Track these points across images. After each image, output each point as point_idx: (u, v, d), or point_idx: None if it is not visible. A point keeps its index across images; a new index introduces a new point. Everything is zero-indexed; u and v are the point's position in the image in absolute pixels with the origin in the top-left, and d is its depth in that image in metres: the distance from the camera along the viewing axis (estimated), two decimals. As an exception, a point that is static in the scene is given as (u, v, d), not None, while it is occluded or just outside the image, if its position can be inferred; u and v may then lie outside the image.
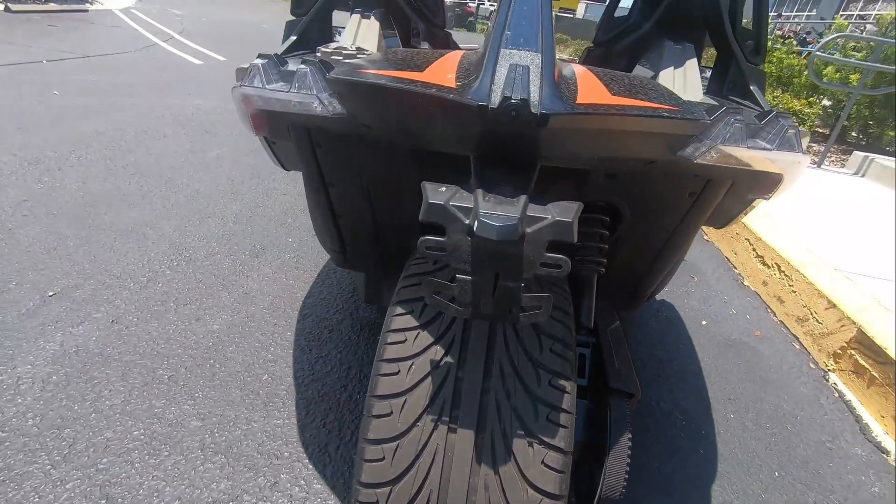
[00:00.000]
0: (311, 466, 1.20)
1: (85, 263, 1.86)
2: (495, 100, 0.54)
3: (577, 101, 0.59)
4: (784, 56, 5.79)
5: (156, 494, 1.09)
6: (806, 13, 13.32)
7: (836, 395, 1.69)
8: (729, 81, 1.06)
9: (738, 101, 1.03)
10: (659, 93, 0.77)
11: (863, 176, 4.23)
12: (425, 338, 0.69)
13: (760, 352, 1.89)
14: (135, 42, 7.01)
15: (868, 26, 11.28)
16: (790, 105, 4.76)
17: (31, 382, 1.32)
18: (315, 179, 1.10)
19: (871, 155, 4.32)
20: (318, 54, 0.92)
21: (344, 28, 1.28)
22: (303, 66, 0.73)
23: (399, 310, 0.73)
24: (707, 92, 1.04)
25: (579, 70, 0.82)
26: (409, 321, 0.71)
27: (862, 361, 1.64)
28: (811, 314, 1.92)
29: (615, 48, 1.09)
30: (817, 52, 4.15)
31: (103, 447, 1.18)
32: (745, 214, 1.18)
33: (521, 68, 0.55)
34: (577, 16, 43.26)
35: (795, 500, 1.29)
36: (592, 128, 0.61)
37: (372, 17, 1.10)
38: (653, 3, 1.04)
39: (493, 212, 0.52)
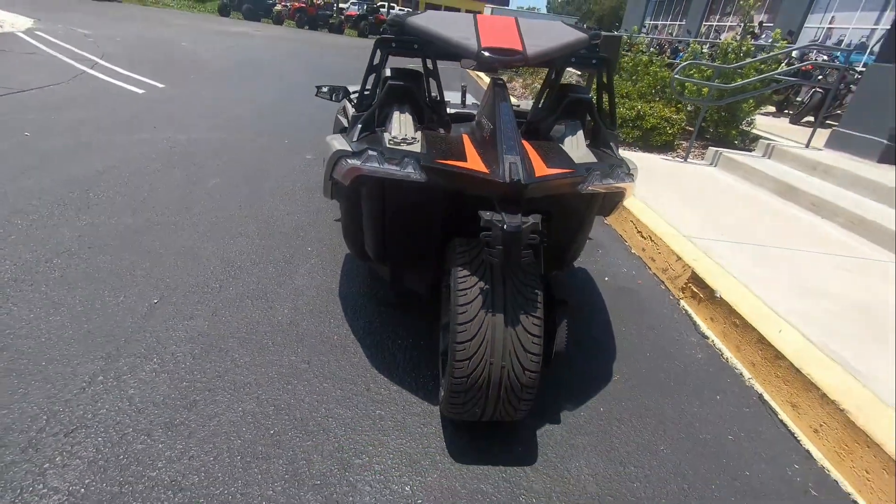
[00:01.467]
0: (385, 377, 1.98)
1: (165, 279, 2.46)
2: (507, 179, 1.39)
3: (536, 175, 1.44)
4: (658, 70, 7.18)
5: (301, 401, 1.82)
6: (678, 23, 15.57)
7: (684, 312, 2.74)
8: (599, 140, 2.00)
9: (604, 150, 1.96)
10: (564, 159, 1.65)
11: (715, 166, 5.59)
12: (474, 278, 1.51)
13: (641, 293, 2.91)
14: (62, 71, 7.03)
15: (723, 35, 13.51)
16: (662, 112, 6.06)
17: (183, 356, 1.98)
18: (377, 208, 1.89)
19: (721, 149, 5.70)
20: (390, 143, 1.71)
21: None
22: (407, 158, 1.53)
23: (460, 268, 1.54)
24: (590, 145, 1.95)
25: (528, 147, 1.69)
26: (466, 272, 1.52)
27: (696, 290, 2.69)
28: (669, 266, 2.97)
29: (540, 125, 1.98)
30: (676, 76, 5.45)
31: (255, 383, 1.88)
32: (618, 209, 2.15)
33: (514, 164, 1.41)
34: (483, 20, 44.94)
35: (658, 364, 2.27)
36: (542, 185, 1.48)
37: (406, 113, 1.90)
38: (559, 101, 1.94)
39: (511, 221, 1.37)
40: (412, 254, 2.17)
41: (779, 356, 2.04)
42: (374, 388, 1.93)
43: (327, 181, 2.04)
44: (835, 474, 1.75)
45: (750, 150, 5.89)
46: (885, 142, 5.07)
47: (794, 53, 7.95)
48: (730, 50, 6.03)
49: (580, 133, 1.91)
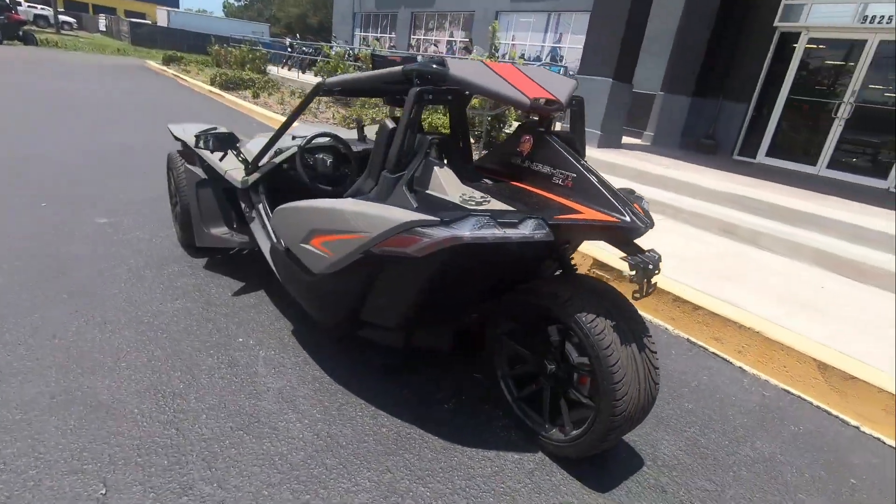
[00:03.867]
0: (473, 448, 1.84)
1: (80, 454, 1.61)
2: (641, 224, 1.52)
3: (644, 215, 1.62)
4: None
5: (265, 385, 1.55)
6: (388, 35, 17.08)
7: (595, 293, 3.32)
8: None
9: None
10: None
11: (500, 164, 6.62)
12: (602, 320, 1.57)
13: (555, 287, 3.38)
14: None
15: (431, 48, 15.53)
16: (434, 121, 6.75)
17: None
18: (432, 277, 1.71)
19: (498, 149, 6.76)
20: (468, 203, 1.58)
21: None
22: (530, 219, 1.47)
23: (584, 314, 1.58)
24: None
25: None
26: (592, 316, 1.57)
27: (600, 273, 3.30)
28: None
29: None
30: (461, 90, 6.17)
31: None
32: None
33: (636, 210, 1.55)
34: (158, 23, 39.30)
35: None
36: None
37: (445, 167, 1.74)
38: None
39: (653, 260, 1.51)
40: (450, 313, 2.04)
41: (696, 308, 2.77)
42: (473, 466, 1.77)
43: (354, 254, 1.71)
44: (764, 377, 2.54)
45: (516, 148, 7.18)
46: (598, 132, 6.96)
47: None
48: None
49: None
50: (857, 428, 2.24)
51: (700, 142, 8.52)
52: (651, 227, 1.61)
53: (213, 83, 11.54)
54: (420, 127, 2.01)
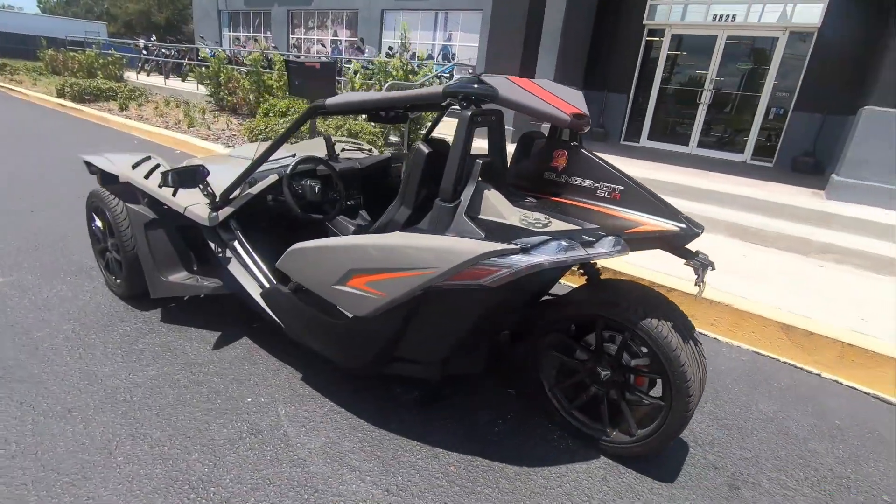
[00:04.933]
0: (539, 465, 1.83)
1: None
2: (698, 230, 1.61)
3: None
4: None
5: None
6: (263, 34, 15.90)
7: (569, 287, 3.48)
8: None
9: None
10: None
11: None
12: (664, 323, 1.64)
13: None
14: None
15: (314, 49, 14.84)
16: (367, 128, 6.53)
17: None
18: (497, 303, 1.67)
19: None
20: (534, 227, 1.55)
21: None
22: (607, 237, 1.49)
23: (648, 320, 1.64)
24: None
25: None
26: (656, 321, 1.64)
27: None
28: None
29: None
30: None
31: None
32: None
33: (686, 219, 1.63)
34: (-45, 22, 32.28)
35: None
36: None
37: (493, 190, 1.67)
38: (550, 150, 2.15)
39: (710, 261, 1.62)
40: (488, 334, 2.00)
41: (670, 290, 3.03)
42: (551, 486, 1.77)
43: (415, 292, 1.60)
44: (736, 343, 2.87)
45: (434, 149, 7.19)
46: (511, 128, 7.24)
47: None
48: (389, 68, 7.02)
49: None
50: (819, 375, 2.64)
51: (592, 130, 9.28)
52: (703, 232, 1.72)
53: (62, 95, 9.83)
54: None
